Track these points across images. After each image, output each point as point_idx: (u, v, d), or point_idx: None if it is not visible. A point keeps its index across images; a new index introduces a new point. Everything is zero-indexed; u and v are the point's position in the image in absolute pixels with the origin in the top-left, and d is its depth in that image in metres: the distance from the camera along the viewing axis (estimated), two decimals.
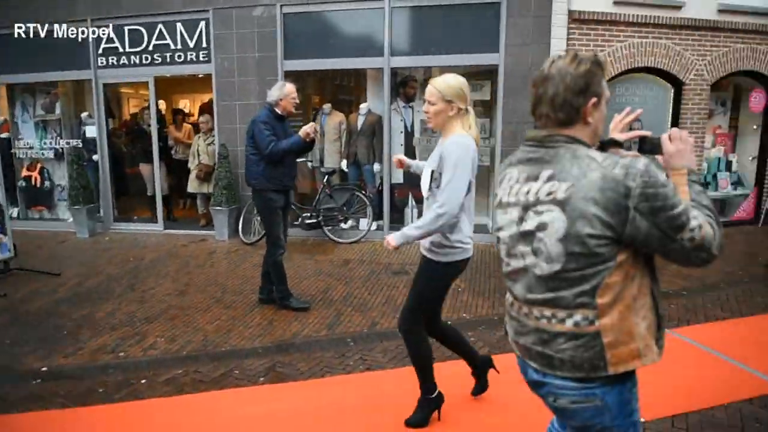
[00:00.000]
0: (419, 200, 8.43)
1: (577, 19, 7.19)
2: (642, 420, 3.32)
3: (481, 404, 3.53)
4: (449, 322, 4.92)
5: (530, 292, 1.64)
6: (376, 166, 8.21)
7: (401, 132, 8.13)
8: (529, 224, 1.59)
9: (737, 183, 8.93)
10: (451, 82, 2.84)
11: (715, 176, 8.75)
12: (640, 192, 1.43)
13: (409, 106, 8.14)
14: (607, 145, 1.80)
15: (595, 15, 7.24)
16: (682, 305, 5.38)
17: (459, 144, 2.78)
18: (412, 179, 8.10)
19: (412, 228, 2.86)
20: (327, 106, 8.33)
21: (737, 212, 8.95)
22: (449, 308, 5.30)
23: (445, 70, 8.11)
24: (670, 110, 8.05)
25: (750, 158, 8.95)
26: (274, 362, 4.22)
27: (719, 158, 8.84)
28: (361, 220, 8.06)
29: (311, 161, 8.46)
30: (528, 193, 1.60)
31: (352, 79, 9.72)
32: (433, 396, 3.19)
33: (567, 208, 1.49)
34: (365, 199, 7.90)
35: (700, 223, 1.48)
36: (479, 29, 7.38)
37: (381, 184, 8.12)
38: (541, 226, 1.55)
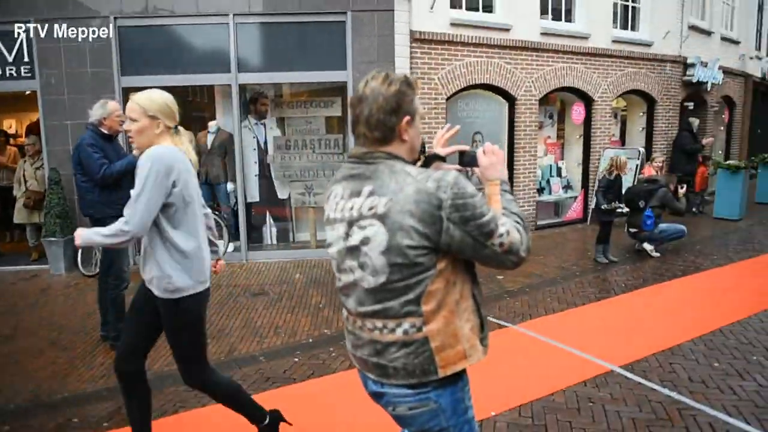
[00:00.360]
0: (277, 218, 8.31)
1: (418, 39, 7.58)
2: (492, 413, 3.57)
3: (333, 422, 3.52)
4: (311, 340, 4.91)
5: (361, 305, 1.66)
6: (230, 186, 7.97)
7: (254, 149, 7.97)
8: (355, 239, 1.62)
9: (567, 186, 9.96)
10: (155, 96, 2.64)
11: (548, 181, 9.67)
12: (451, 203, 1.51)
13: (261, 123, 8.02)
14: (431, 159, 1.89)
15: (434, 35, 7.69)
16: (525, 301, 5.84)
17: (152, 155, 2.52)
18: (270, 197, 8.03)
19: (99, 234, 2.53)
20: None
21: (569, 212, 9.96)
22: (311, 325, 5.26)
23: (295, 86, 8.22)
24: (507, 123, 8.77)
25: (576, 164, 10.03)
26: (120, 404, 3.86)
27: (551, 165, 9.80)
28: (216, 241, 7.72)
29: None
30: (352, 208, 1.63)
31: (202, 95, 9.35)
32: (266, 423, 3.05)
33: (387, 222, 1.54)
34: (220, 219, 7.60)
35: (508, 229, 1.60)
36: (327, 47, 7.49)
37: (236, 203, 7.87)
38: (365, 241, 1.59)
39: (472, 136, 8.46)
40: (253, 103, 8.01)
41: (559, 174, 9.87)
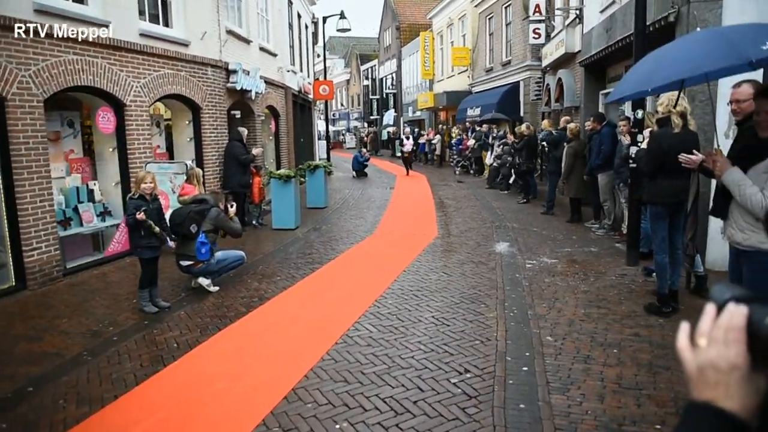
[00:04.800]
0: None
1: None
2: None
3: None
4: None
5: None
6: None
7: None
8: None
9: (105, 213, 7.83)
10: None
11: (76, 209, 7.35)
12: None
13: None
14: None
15: None
16: (21, 418, 3.62)
17: None
18: None
19: None
20: None
21: (112, 245, 7.87)
22: None
23: None
24: None
25: (114, 184, 8.01)
26: None
27: (78, 187, 7.50)
28: None
29: None
30: None
31: None
32: None
33: None
34: None
35: None
36: None
37: None
38: None
39: None
40: None
41: (91, 198, 7.65)
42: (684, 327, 0.78)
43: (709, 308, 0.73)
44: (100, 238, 8.06)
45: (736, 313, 0.70)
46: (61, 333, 5.11)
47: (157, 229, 5.45)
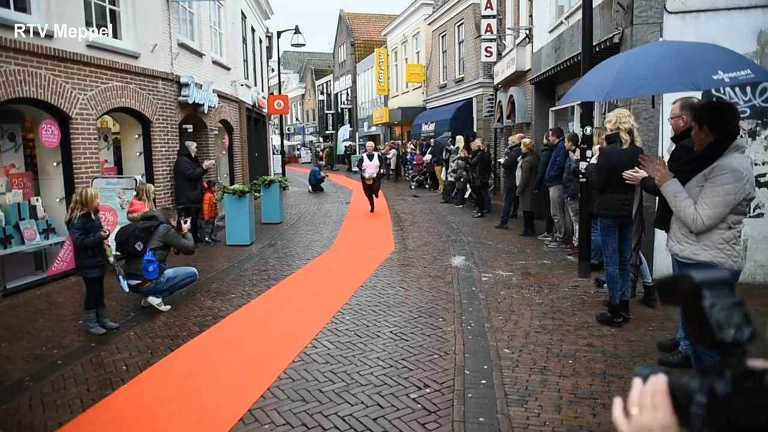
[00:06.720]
0: None
1: None
2: None
3: None
4: None
5: None
6: None
7: None
8: None
9: (49, 230, 7.50)
10: None
11: (17, 226, 7.01)
12: None
13: None
14: None
15: None
16: None
17: None
18: None
19: None
20: None
21: (56, 264, 7.53)
22: None
23: None
24: None
25: (58, 200, 7.69)
26: None
27: (19, 203, 7.16)
28: None
29: None
30: None
31: None
32: None
33: None
34: None
35: None
36: None
37: None
38: None
39: None
40: None
41: (33, 215, 7.32)
42: (617, 402, 0.86)
43: (636, 381, 0.81)
44: (43, 256, 7.71)
45: (658, 381, 0.78)
46: (1, 358, 4.82)
47: (113, 252, 5.27)
